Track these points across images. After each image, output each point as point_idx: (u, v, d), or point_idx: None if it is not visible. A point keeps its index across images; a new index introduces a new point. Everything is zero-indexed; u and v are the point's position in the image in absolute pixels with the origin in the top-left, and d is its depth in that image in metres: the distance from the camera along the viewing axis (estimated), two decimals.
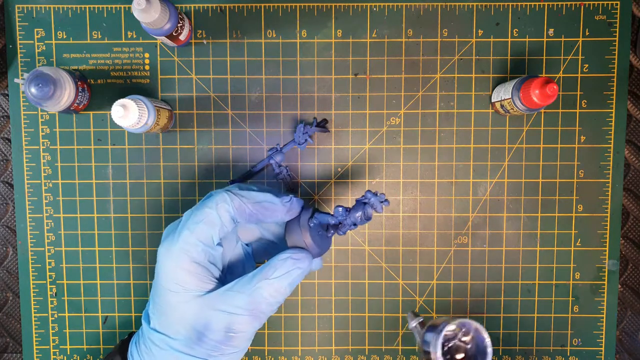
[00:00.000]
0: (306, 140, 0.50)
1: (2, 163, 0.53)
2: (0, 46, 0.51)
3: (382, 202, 0.39)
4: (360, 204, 0.40)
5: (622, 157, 0.52)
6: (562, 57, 0.51)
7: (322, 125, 0.51)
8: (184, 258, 0.38)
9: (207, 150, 0.52)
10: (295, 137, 0.50)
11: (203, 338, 0.38)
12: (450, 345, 0.37)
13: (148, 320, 0.42)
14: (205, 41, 0.51)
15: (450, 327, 0.37)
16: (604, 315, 0.53)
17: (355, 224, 0.40)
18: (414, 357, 0.53)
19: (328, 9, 0.51)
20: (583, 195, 0.52)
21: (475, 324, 0.37)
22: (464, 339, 0.37)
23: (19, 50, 0.51)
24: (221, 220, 0.39)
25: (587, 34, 0.51)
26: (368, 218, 0.40)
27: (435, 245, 0.52)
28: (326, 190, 0.52)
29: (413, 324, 0.42)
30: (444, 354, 0.36)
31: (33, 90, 0.43)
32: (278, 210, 0.40)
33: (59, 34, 0.51)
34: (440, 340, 0.36)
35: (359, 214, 0.39)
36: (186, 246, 0.38)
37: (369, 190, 0.40)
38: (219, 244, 0.41)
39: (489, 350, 0.36)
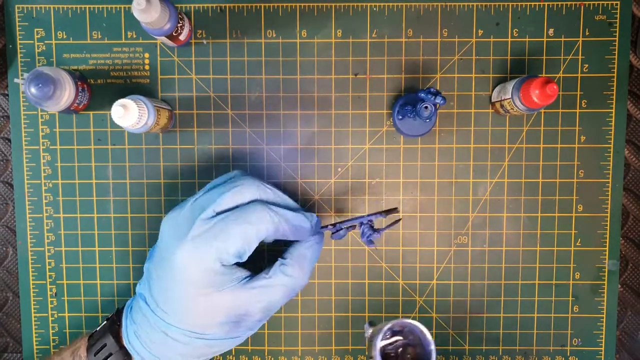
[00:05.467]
0: (371, 241, 0.45)
1: (2, 163, 0.53)
2: (0, 46, 0.51)
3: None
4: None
5: (622, 157, 0.52)
6: (562, 57, 0.51)
7: (394, 221, 0.46)
8: (216, 265, 0.38)
9: (207, 150, 0.52)
10: (361, 238, 0.45)
11: (242, 323, 0.39)
12: (398, 352, 0.36)
13: (149, 306, 0.41)
14: (205, 41, 0.51)
15: (387, 327, 0.36)
16: (604, 315, 0.53)
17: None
18: None
19: (328, 9, 0.51)
20: (583, 195, 0.52)
21: (415, 323, 0.36)
22: (412, 351, 0.36)
23: (19, 50, 0.51)
24: (257, 238, 0.39)
25: (587, 34, 0.51)
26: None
27: (435, 245, 0.52)
28: (326, 190, 0.52)
29: (369, 331, 0.41)
30: None
31: (33, 90, 0.43)
32: (306, 232, 0.43)
33: (59, 34, 0.51)
34: (378, 342, 0.35)
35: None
36: (221, 255, 0.38)
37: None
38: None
39: (432, 347, 0.35)
